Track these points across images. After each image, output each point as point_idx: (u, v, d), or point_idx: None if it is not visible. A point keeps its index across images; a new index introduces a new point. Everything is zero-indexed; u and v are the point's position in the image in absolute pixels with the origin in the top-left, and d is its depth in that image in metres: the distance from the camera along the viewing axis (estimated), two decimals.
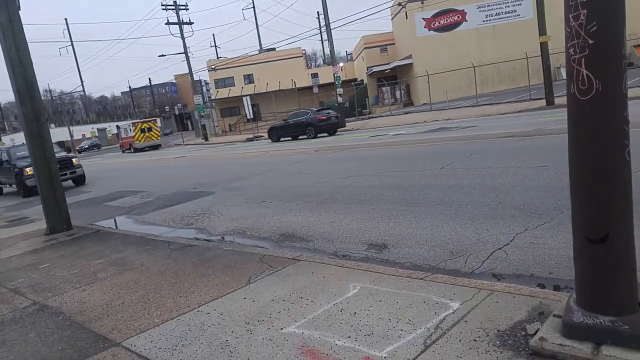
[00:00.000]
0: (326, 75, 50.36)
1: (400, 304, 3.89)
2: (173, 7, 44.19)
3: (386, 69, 47.20)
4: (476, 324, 3.38)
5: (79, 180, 20.01)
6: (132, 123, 49.15)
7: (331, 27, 33.28)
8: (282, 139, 29.67)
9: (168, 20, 44.16)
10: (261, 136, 38.07)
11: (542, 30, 22.60)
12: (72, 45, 77.01)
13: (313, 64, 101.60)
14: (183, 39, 45.00)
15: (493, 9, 42.67)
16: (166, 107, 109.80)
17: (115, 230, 9.28)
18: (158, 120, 54.75)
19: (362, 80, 54.57)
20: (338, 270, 4.91)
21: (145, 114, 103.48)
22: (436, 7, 42.22)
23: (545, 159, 9.32)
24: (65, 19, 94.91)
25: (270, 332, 3.74)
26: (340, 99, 33.51)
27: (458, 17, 43.11)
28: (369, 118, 39.20)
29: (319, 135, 27.96)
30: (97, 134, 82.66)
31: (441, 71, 34.85)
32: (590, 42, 2.58)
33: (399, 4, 42.69)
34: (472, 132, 17.02)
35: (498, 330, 3.26)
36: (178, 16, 44.45)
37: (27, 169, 17.24)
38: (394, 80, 47.31)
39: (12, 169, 18.70)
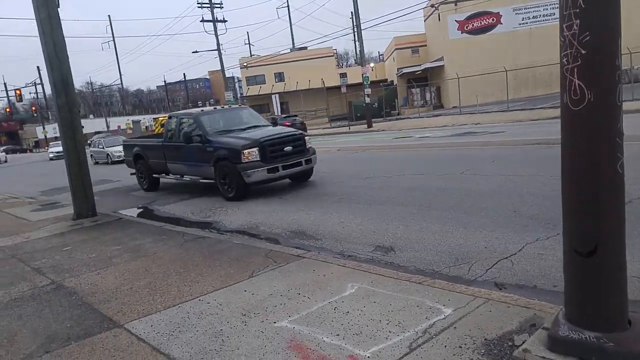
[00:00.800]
0: (355, 75, 50.14)
1: (394, 307, 3.93)
2: (208, 5, 44.76)
3: (417, 71, 46.76)
4: (465, 331, 3.39)
5: (307, 175, 11.90)
6: (153, 118, 51.01)
7: (362, 28, 33.32)
8: None
9: (203, 17, 44.74)
10: None
11: None
12: (113, 40, 78.94)
13: (345, 63, 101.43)
14: (217, 36, 45.53)
15: (530, 11, 41.68)
16: (199, 102, 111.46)
17: (136, 219, 9.55)
18: None
19: (392, 81, 54.22)
20: (339, 270, 4.96)
21: (178, 108, 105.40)
22: (470, 10, 41.52)
23: None
24: (109, 15, 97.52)
25: (263, 325, 3.83)
26: (368, 99, 33.40)
27: (493, 19, 42.30)
28: (396, 119, 38.98)
29: None
30: (132, 126, 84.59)
31: (473, 74, 34.32)
32: (583, 52, 2.57)
33: (432, 6, 42.22)
34: (499, 137, 16.77)
35: (485, 339, 3.26)
36: (212, 14, 44.99)
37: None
38: (424, 82, 46.83)
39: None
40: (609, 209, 2.64)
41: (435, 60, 45.44)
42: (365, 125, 33.21)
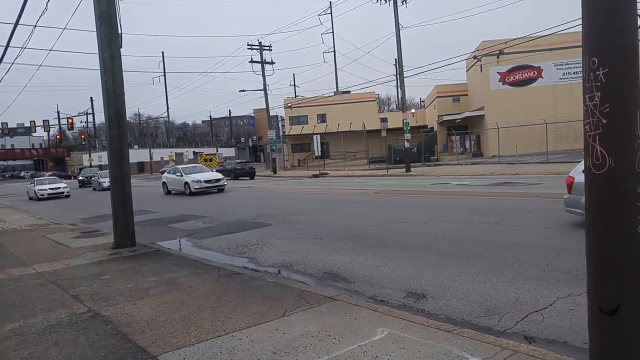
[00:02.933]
0: (396, 120, 50.59)
1: (422, 353, 3.97)
2: (258, 48, 46.62)
3: (457, 119, 46.86)
4: None
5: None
6: (194, 152, 54.67)
7: (405, 75, 33.78)
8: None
9: (252, 58, 46.57)
10: (327, 173, 38.75)
11: None
12: (164, 76, 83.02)
13: (386, 108, 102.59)
14: (264, 76, 47.17)
15: (571, 67, 41.61)
16: (242, 139, 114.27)
17: (173, 251, 9.86)
18: (221, 153, 63.83)
19: (432, 127, 54.41)
20: (370, 314, 5.04)
21: (222, 143, 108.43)
22: (512, 63, 41.74)
23: None
24: (162, 52, 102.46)
25: None
26: (407, 144, 33.59)
27: (534, 73, 42.38)
28: (435, 165, 38.87)
29: (239, 178, 40.68)
30: (174, 158, 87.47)
31: (512, 125, 34.14)
32: (604, 121, 2.72)
33: (475, 57, 42.60)
34: (537, 189, 16.54)
35: None
36: (261, 56, 46.78)
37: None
38: (464, 130, 46.81)
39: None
40: (631, 268, 2.70)
41: (476, 110, 45.49)
42: (404, 169, 33.24)
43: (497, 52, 39.37)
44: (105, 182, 32.69)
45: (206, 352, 4.34)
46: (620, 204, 2.73)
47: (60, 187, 33.05)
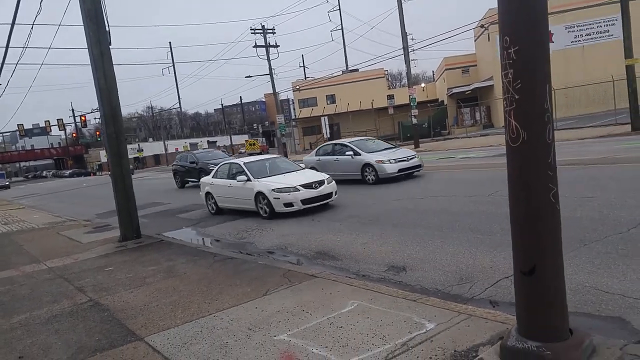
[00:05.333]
0: (405, 96, 50.42)
1: (384, 322, 4.26)
2: (261, 32, 46.59)
3: (466, 91, 46.41)
4: (439, 344, 3.69)
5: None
6: (246, 140, 65.63)
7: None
8: None
9: (256, 43, 46.59)
10: None
11: (628, 53, 21.52)
12: (173, 66, 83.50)
13: (398, 83, 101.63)
14: (269, 61, 47.15)
15: (583, 29, 40.70)
16: (254, 125, 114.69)
17: (175, 240, 10.24)
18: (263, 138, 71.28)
19: (443, 100, 53.99)
20: (345, 288, 5.33)
21: (235, 131, 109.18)
22: None
23: (595, 189, 9.09)
24: (170, 42, 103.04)
25: (264, 338, 4.26)
26: (415, 120, 33.54)
27: None
28: (444, 139, 38.75)
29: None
30: (189, 148, 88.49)
31: None
32: (517, 97, 2.92)
33: (482, 26, 41.99)
34: None
35: (455, 351, 3.55)
36: (265, 40, 46.72)
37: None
38: (474, 102, 46.36)
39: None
40: (545, 233, 2.92)
41: (485, 80, 44.97)
42: (413, 146, 33.26)
43: None
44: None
45: (189, 331, 4.69)
46: (534, 174, 2.94)
47: None
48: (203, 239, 10.63)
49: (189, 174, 23.64)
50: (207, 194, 13.87)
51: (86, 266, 8.49)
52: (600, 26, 40.18)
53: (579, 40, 40.84)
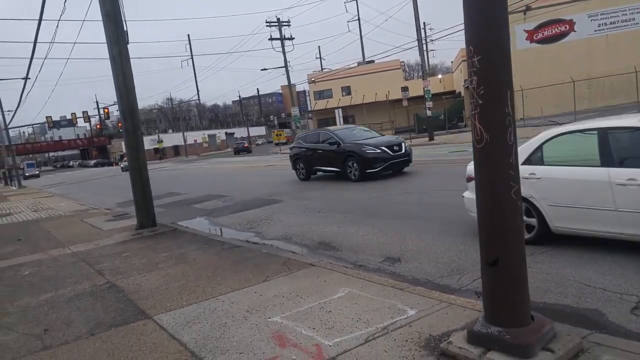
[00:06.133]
0: (420, 88, 50.45)
1: (370, 307, 4.60)
2: (276, 24, 46.89)
3: None
4: (417, 329, 4.02)
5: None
6: (274, 131, 71.54)
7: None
8: None
9: (271, 36, 46.93)
10: None
11: None
12: (192, 58, 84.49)
13: (416, 74, 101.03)
14: (284, 53, 47.52)
15: (607, 17, 39.75)
16: (271, 116, 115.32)
17: (188, 229, 10.70)
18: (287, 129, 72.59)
19: (460, 92, 53.69)
20: (339, 277, 5.68)
21: (252, 122, 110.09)
22: (540, 18, 40.32)
23: None
24: (188, 35, 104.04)
25: (259, 320, 4.64)
26: (429, 113, 33.58)
27: (565, 27, 40.75)
28: (459, 132, 38.67)
29: None
30: (207, 140, 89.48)
31: (537, 86, 33.46)
32: (480, 102, 3.20)
33: None
34: None
35: (430, 335, 3.87)
36: (280, 32, 47.05)
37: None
38: None
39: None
40: (508, 227, 3.22)
41: None
42: (427, 138, 33.34)
43: (524, 7, 38.06)
44: None
45: (192, 312, 5.10)
46: (497, 173, 3.23)
47: None
48: (216, 228, 11.06)
49: (325, 159, 17.14)
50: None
51: (105, 252, 9.00)
52: (625, 14, 39.26)
53: (603, 30, 39.98)
